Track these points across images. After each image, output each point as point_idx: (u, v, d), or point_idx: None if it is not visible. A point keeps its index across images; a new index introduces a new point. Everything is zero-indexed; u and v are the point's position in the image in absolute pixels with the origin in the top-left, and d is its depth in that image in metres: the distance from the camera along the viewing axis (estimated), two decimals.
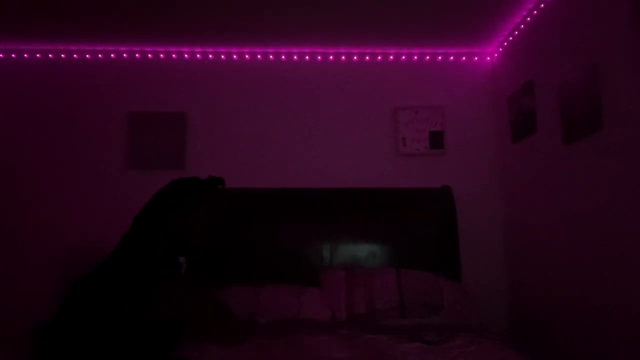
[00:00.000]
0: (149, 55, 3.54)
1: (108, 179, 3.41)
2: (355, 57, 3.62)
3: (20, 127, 3.42)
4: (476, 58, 3.67)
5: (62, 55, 3.50)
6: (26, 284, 3.24)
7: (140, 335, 1.70)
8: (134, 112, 3.46)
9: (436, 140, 3.53)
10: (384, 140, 3.56)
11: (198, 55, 3.56)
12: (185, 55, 3.56)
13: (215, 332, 2.10)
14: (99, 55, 3.52)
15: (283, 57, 3.60)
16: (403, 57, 3.63)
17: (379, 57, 3.63)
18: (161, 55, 3.55)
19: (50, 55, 3.49)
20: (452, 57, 3.65)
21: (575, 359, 2.51)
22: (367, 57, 3.62)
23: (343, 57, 3.62)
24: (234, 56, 3.58)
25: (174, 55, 3.55)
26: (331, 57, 3.62)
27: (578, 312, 2.49)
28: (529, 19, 3.05)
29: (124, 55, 3.53)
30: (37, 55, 3.49)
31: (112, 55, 3.53)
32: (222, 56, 3.58)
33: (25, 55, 3.48)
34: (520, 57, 3.21)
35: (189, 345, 2.26)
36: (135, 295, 1.74)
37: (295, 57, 3.60)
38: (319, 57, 3.61)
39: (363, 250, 3.26)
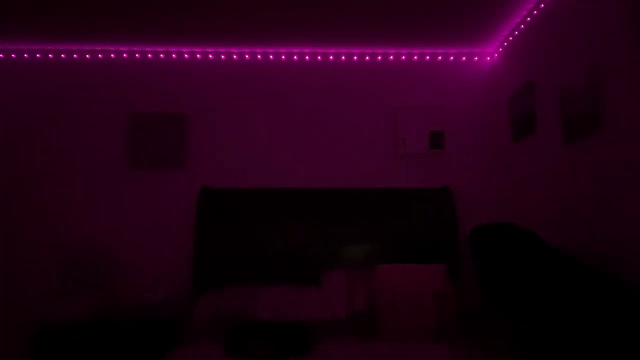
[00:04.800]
0: (149, 55, 3.54)
1: (108, 179, 3.41)
2: (355, 57, 3.62)
3: (20, 127, 3.42)
4: (476, 58, 3.67)
5: (62, 55, 3.50)
6: (26, 284, 3.24)
7: None
8: (134, 113, 3.46)
9: (436, 140, 3.53)
10: (384, 140, 3.57)
11: (198, 55, 3.57)
12: (185, 55, 3.56)
13: None
14: (99, 55, 3.52)
15: (283, 57, 3.60)
16: (403, 57, 3.63)
17: (379, 57, 3.63)
18: (161, 55, 3.55)
19: (50, 55, 3.49)
20: (452, 57, 3.65)
21: None
22: (367, 57, 3.62)
23: (343, 57, 3.62)
24: (234, 56, 3.59)
25: (174, 55, 3.56)
26: (331, 57, 3.62)
27: None
28: (529, 19, 3.05)
29: (124, 55, 3.53)
30: (37, 55, 3.49)
31: (112, 55, 3.53)
32: (222, 56, 3.58)
33: (25, 55, 3.48)
34: (521, 58, 3.21)
35: (188, 346, 2.27)
36: None
37: (295, 57, 3.60)
38: (319, 57, 3.61)
39: (363, 250, 3.26)
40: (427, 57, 3.64)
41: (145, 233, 3.35)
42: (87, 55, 3.52)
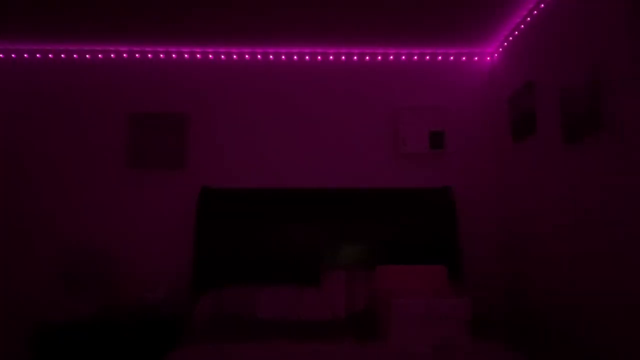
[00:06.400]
0: (149, 55, 3.55)
1: (108, 179, 3.41)
2: (355, 57, 3.62)
3: (20, 127, 3.42)
4: (476, 58, 3.67)
5: (62, 55, 3.50)
6: (26, 284, 3.24)
7: None
8: (134, 113, 3.47)
9: (436, 140, 3.53)
10: (384, 140, 3.57)
11: (198, 55, 3.57)
12: (185, 55, 3.56)
13: None
14: (99, 55, 3.52)
15: (283, 57, 3.60)
16: (403, 57, 3.63)
17: (379, 57, 3.63)
18: (161, 55, 3.55)
19: (50, 55, 3.49)
20: (452, 57, 3.65)
21: (572, 352, 2.51)
22: (367, 57, 3.62)
23: (343, 57, 3.62)
24: (234, 56, 3.59)
25: (174, 55, 3.56)
26: (331, 57, 3.62)
27: (577, 310, 2.50)
28: (529, 19, 3.05)
29: (124, 55, 3.53)
30: (37, 55, 3.49)
31: (112, 55, 3.53)
32: (222, 56, 3.58)
33: (25, 55, 3.48)
34: (520, 58, 3.21)
35: (188, 346, 2.27)
36: None
37: (295, 57, 3.60)
38: (319, 57, 3.61)
39: (363, 250, 3.26)
40: (427, 57, 3.64)
41: (145, 233, 3.35)
42: (87, 55, 3.52)
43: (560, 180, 2.68)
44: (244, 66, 3.59)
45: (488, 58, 3.67)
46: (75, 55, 3.51)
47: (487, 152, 3.59)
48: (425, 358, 2.03)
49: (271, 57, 3.60)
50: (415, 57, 3.64)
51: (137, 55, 3.54)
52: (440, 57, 3.65)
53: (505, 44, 3.43)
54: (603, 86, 2.25)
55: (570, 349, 2.56)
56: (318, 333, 2.41)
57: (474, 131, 3.60)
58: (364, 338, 2.33)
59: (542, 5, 2.87)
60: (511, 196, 3.36)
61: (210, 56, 3.57)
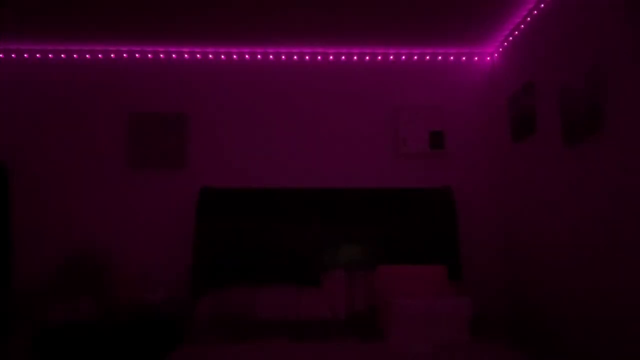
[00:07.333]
0: (149, 55, 3.55)
1: (108, 178, 3.41)
2: (355, 57, 3.62)
3: (20, 127, 3.42)
4: (476, 58, 3.67)
5: (62, 55, 3.50)
6: (27, 285, 3.24)
7: None
8: (134, 112, 3.47)
9: (436, 140, 3.53)
10: (384, 140, 3.57)
11: (198, 55, 3.57)
12: (185, 55, 3.56)
13: None
14: (99, 55, 3.52)
15: (283, 57, 3.60)
16: (403, 57, 3.63)
17: (379, 57, 3.63)
18: (161, 55, 3.55)
19: (50, 55, 3.50)
20: (452, 57, 3.65)
21: (571, 351, 2.51)
22: (367, 57, 3.62)
23: (343, 57, 3.62)
24: (234, 56, 3.59)
25: (174, 55, 3.56)
26: (331, 57, 3.62)
27: (576, 310, 2.50)
28: (529, 19, 3.05)
29: (124, 55, 3.53)
30: (37, 55, 3.49)
31: (112, 55, 3.53)
32: (222, 56, 3.58)
33: (25, 55, 3.48)
34: (520, 58, 3.21)
35: (188, 346, 2.27)
36: None
37: (295, 57, 3.60)
38: (319, 57, 3.61)
39: (363, 250, 3.26)
40: (427, 57, 3.64)
41: (146, 233, 3.35)
42: (87, 55, 3.52)
43: (560, 180, 2.68)
44: (243, 66, 3.59)
45: (488, 58, 3.67)
46: (75, 55, 3.51)
47: (487, 152, 3.59)
48: (426, 358, 2.03)
49: (271, 57, 3.60)
50: (415, 57, 3.64)
51: (137, 55, 3.54)
52: (440, 57, 3.65)
53: (505, 44, 3.43)
54: (603, 86, 2.25)
55: (570, 349, 2.56)
56: (318, 333, 2.41)
57: (473, 131, 3.60)
58: (364, 338, 2.33)
59: (542, 5, 2.87)
60: (511, 196, 3.36)
61: (210, 56, 3.57)
